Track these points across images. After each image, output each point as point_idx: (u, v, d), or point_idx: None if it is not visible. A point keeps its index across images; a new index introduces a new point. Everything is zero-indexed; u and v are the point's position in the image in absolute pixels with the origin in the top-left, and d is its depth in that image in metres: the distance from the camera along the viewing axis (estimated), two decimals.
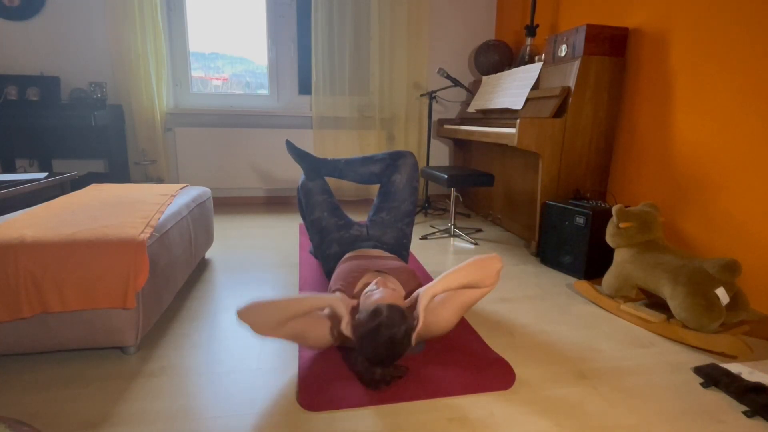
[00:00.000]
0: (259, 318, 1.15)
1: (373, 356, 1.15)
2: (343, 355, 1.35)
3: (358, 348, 1.18)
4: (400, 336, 1.14)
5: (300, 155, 1.92)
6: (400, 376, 1.22)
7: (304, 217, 2.05)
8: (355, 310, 1.32)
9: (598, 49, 2.22)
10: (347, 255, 1.67)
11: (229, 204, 3.65)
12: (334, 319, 1.30)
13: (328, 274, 1.79)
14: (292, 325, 1.20)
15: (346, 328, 1.21)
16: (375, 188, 3.74)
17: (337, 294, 1.29)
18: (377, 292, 1.27)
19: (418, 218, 3.26)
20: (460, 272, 1.30)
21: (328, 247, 1.77)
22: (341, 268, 1.54)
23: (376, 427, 1.06)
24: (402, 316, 1.16)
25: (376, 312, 1.16)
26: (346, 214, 1.87)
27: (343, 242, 1.75)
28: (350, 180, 1.93)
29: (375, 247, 1.75)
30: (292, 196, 3.74)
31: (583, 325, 1.62)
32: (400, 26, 3.44)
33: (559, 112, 2.28)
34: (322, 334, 1.26)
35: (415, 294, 1.33)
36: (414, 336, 1.21)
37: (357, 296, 1.41)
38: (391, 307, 1.17)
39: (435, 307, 1.32)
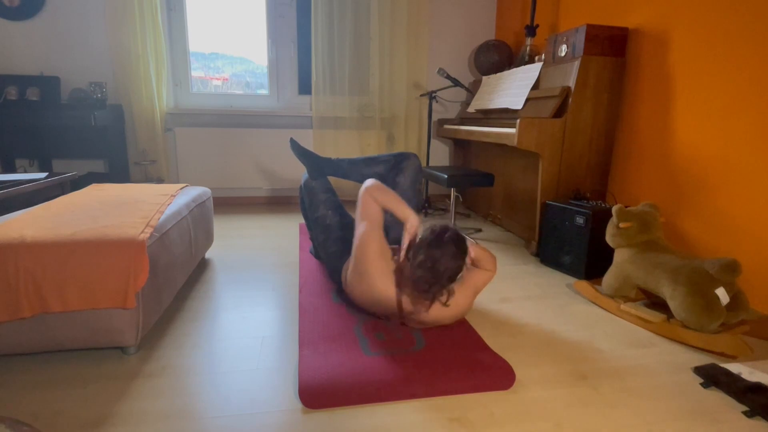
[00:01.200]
0: (377, 188, 1.47)
1: (431, 253, 1.31)
2: (351, 356, 1.35)
3: (416, 251, 1.34)
4: (462, 237, 1.36)
5: (304, 154, 1.94)
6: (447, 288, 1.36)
7: (306, 216, 2.05)
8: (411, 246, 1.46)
9: (598, 49, 2.22)
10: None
11: (229, 204, 3.65)
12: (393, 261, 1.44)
13: (332, 273, 1.78)
14: (376, 217, 1.44)
15: (412, 228, 1.44)
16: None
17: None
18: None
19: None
20: (476, 248, 1.50)
21: (332, 244, 1.76)
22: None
23: (376, 426, 1.07)
24: (458, 231, 1.37)
25: (442, 224, 1.39)
26: (349, 213, 1.86)
27: (347, 240, 1.75)
28: (354, 180, 1.93)
29: None
30: (292, 196, 3.74)
31: (583, 325, 1.62)
32: (400, 26, 3.44)
33: (559, 112, 2.28)
34: (373, 250, 1.39)
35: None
36: (469, 261, 1.46)
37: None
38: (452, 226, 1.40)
39: (457, 290, 1.43)
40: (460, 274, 1.38)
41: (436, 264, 1.30)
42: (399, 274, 1.40)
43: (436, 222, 1.41)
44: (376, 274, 1.38)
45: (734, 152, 1.74)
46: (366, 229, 1.42)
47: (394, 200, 1.47)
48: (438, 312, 1.42)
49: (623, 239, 1.75)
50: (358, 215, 1.48)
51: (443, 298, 1.36)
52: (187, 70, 3.45)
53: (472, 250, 1.47)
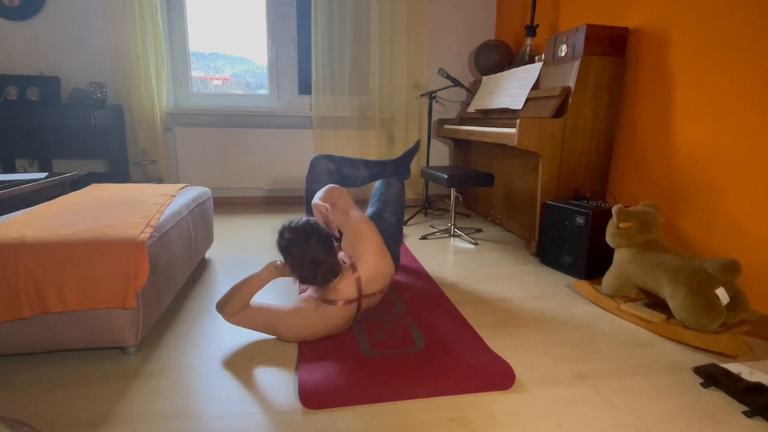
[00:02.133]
0: (224, 304, 1.38)
1: (289, 251, 1.35)
2: (351, 357, 1.35)
3: (285, 259, 1.37)
4: (301, 221, 1.38)
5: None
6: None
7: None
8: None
9: (598, 49, 2.22)
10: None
11: (229, 204, 3.65)
12: (306, 303, 1.44)
13: None
14: (260, 313, 1.40)
15: (276, 268, 1.42)
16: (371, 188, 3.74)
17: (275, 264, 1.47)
18: None
19: (419, 218, 3.26)
20: (322, 195, 1.54)
21: None
22: None
23: (376, 426, 1.06)
24: (293, 222, 1.40)
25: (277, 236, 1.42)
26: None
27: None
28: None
29: None
30: (292, 196, 3.74)
31: (583, 325, 1.62)
32: (400, 26, 3.44)
33: (559, 112, 2.28)
34: (291, 322, 1.40)
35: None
36: (334, 227, 1.46)
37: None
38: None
39: (355, 247, 1.51)
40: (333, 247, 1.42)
41: (306, 255, 1.34)
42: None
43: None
44: (300, 331, 1.42)
45: (734, 152, 1.74)
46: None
47: (245, 286, 1.43)
48: (370, 260, 1.48)
49: (623, 239, 1.75)
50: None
51: (340, 272, 1.42)
52: (187, 70, 3.45)
53: (320, 213, 1.46)
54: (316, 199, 1.50)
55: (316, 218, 1.45)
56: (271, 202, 3.71)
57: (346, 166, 1.87)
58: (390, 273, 1.56)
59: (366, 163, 1.93)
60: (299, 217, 1.42)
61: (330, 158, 1.85)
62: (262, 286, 1.44)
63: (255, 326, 1.41)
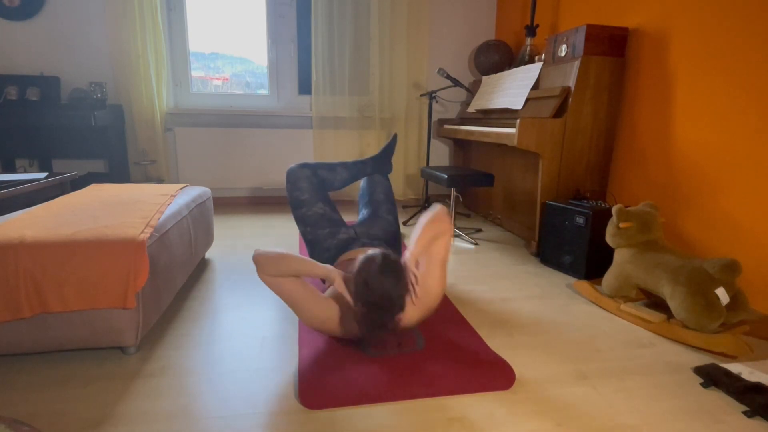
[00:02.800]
0: (266, 262, 1.28)
1: (369, 295, 1.20)
2: (351, 357, 1.35)
3: (356, 296, 1.23)
4: (391, 262, 1.23)
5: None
6: (395, 325, 1.25)
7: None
8: (349, 281, 1.37)
9: (598, 49, 2.22)
10: (341, 258, 1.66)
11: (229, 204, 3.65)
12: (338, 301, 1.35)
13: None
14: (292, 286, 1.30)
15: (340, 285, 1.29)
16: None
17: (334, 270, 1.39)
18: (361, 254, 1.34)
19: (419, 218, 3.26)
20: (424, 232, 1.39)
21: (319, 256, 1.74)
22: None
23: (376, 426, 1.06)
24: (394, 258, 1.25)
25: (368, 256, 1.26)
26: (335, 215, 1.82)
27: (333, 248, 1.73)
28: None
29: (365, 245, 1.73)
30: None
31: (583, 325, 1.62)
32: (400, 26, 3.44)
33: (559, 112, 2.28)
34: (317, 311, 1.32)
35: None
36: (414, 295, 1.30)
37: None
38: (383, 252, 1.28)
39: (423, 278, 1.38)
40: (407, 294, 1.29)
41: (382, 303, 1.20)
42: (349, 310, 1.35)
43: (360, 259, 1.27)
44: (323, 323, 1.34)
45: (734, 152, 1.74)
46: (294, 307, 1.33)
47: (297, 263, 1.29)
48: (414, 313, 1.37)
49: (623, 239, 1.75)
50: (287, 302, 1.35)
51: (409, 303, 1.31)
52: (187, 70, 3.45)
53: (412, 250, 1.34)
54: (414, 246, 1.34)
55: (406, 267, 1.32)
56: (271, 202, 3.71)
57: (322, 169, 1.86)
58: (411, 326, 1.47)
59: (344, 164, 1.92)
60: (393, 254, 1.27)
61: (305, 165, 1.83)
62: (312, 277, 1.37)
63: (282, 293, 1.31)
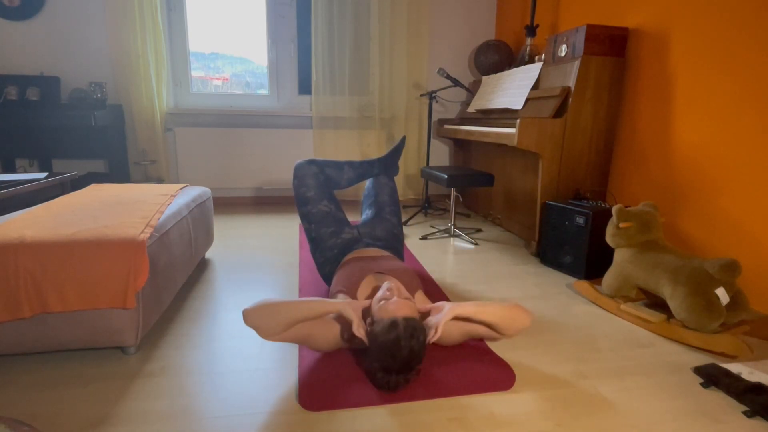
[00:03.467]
0: (266, 321, 1.14)
1: (390, 366, 1.14)
2: (351, 358, 1.35)
3: (375, 357, 1.16)
4: (418, 348, 1.13)
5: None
6: (414, 378, 1.20)
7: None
8: (366, 313, 1.32)
9: (598, 49, 2.22)
10: (345, 258, 1.66)
11: (229, 204, 3.65)
12: (342, 321, 1.31)
13: (325, 277, 1.78)
14: (299, 328, 1.21)
15: (358, 330, 1.20)
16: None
17: (341, 296, 1.34)
18: (392, 303, 1.24)
19: (419, 218, 3.26)
20: (492, 312, 1.28)
21: (321, 254, 1.75)
22: (341, 272, 1.53)
23: (376, 426, 1.06)
24: (420, 329, 1.16)
25: (393, 324, 1.14)
26: (340, 214, 1.83)
27: (337, 248, 1.74)
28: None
29: (369, 245, 1.74)
30: (291, 196, 3.74)
31: (583, 325, 1.62)
32: (400, 26, 3.44)
33: (559, 112, 2.28)
34: (329, 336, 1.27)
35: (430, 306, 1.35)
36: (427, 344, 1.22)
37: (358, 298, 1.41)
38: (408, 320, 1.16)
39: (448, 324, 1.33)
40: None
41: (395, 364, 1.13)
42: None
43: (396, 314, 1.20)
44: (334, 346, 1.30)
45: (734, 152, 1.74)
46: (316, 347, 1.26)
47: (300, 310, 1.18)
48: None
49: (623, 239, 1.75)
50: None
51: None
52: (187, 70, 3.45)
53: (439, 334, 1.24)
54: (448, 314, 1.26)
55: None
56: (271, 202, 3.71)
57: (329, 167, 1.86)
58: None
59: (350, 163, 1.92)
60: (416, 322, 1.18)
61: (312, 162, 1.84)
62: (322, 316, 1.23)
63: (292, 341, 1.22)
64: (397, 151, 2.03)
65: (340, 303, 1.24)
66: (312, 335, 1.24)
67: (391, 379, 1.16)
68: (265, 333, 1.15)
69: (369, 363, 1.20)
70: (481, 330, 1.33)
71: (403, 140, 2.08)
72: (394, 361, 1.12)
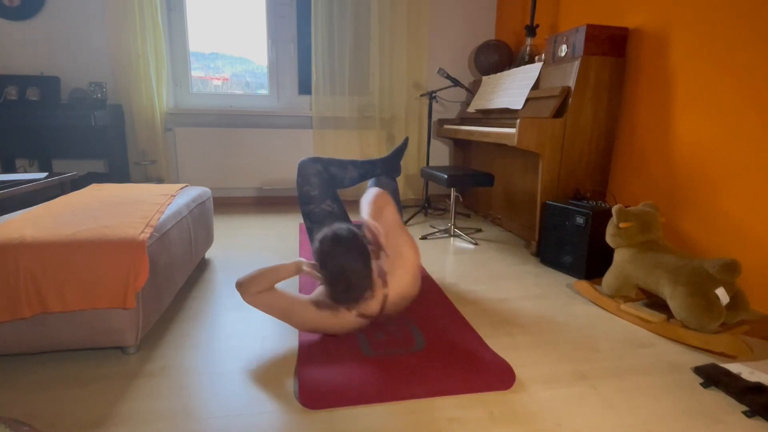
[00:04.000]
0: (246, 283, 1.35)
1: (328, 262, 1.29)
2: (351, 357, 1.35)
3: (321, 269, 1.32)
4: (343, 231, 1.32)
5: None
6: (363, 291, 1.33)
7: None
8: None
9: (598, 49, 2.22)
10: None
11: (229, 204, 3.65)
12: (322, 306, 1.40)
13: None
14: (274, 299, 1.37)
15: (306, 267, 1.40)
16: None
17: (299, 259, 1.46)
18: None
19: (419, 218, 3.26)
20: (370, 207, 1.49)
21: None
22: None
23: (376, 425, 1.06)
24: (341, 228, 1.34)
25: (319, 236, 1.35)
26: (343, 214, 1.83)
27: None
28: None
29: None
30: (292, 196, 3.74)
31: (583, 325, 1.62)
32: (400, 26, 3.44)
33: (559, 112, 2.28)
34: (305, 312, 1.37)
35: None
36: (383, 251, 1.40)
37: None
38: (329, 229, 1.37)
39: (388, 240, 1.47)
40: (372, 265, 1.38)
41: (343, 274, 1.29)
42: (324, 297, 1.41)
43: (316, 237, 1.36)
44: (313, 323, 1.39)
45: (734, 152, 1.74)
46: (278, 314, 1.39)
47: (270, 273, 1.38)
48: (402, 278, 1.42)
49: (623, 239, 1.75)
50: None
51: (372, 292, 1.38)
52: (187, 70, 3.45)
53: (366, 216, 1.44)
54: (366, 216, 1.44)
55: (366, 233, 1.40)
56: (271, 203, 3.71)
57: (333, 166, 1.86)
58: (415, 297, 1.50)
59: (354, 163, 1.92)
60: (345, 226, 1.36)
61: (317, 160, 1.84)
62: (287, 278, 1.43)
63: (271, 310, 1.38)
64: (399, 152, 2.04)
65: (294, 260, 1.42)
66: (288, 309, 1.37)
67: (343, 288, 1.29)
68: (245, 293, 1.35)
69: (326, 285, 1.33)
70: (389, 215, 1.52)
71: (406, 141, 2.09)
72: (327, 259, 1.29)
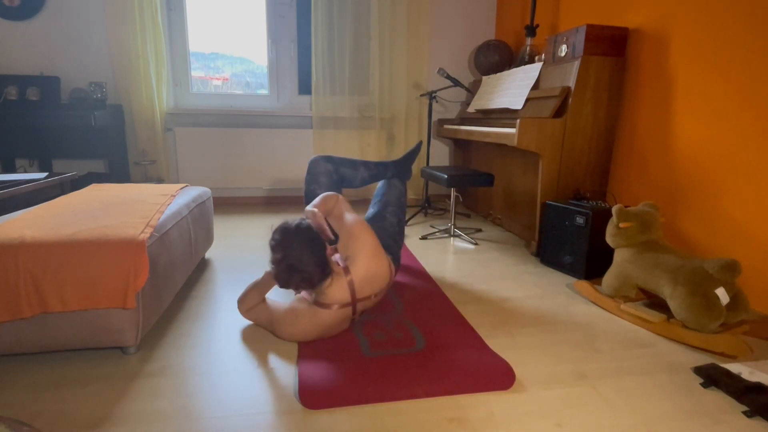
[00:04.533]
0: (242, 300, 1.50)
1: (275, 253, 1.36)
2: (351, 357, 1.35)
3: (271, 263, 1.38)
4: (291, 223, 1.38)
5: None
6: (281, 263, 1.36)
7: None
8: None
9: (598, 49, 2.22)
10: None
11: (229, 204, 3.65)
12: (300, 305, 1.45)
13: None
14: (260, 312, 1.48)
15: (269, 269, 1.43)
16: (372, 188, 3.74)
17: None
18: None
19: (419, 218, 3.26)
20: (318, 205, 1.52)
21: None
22: None
23: (376, 426, 1.07)
24: (287, 222, 1.40)
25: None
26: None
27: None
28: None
29: None
30: (292, 196, 3.74)
31: (583, 325, 1.62)
32: (400, 26, 3.44)
33: (559, 112, 2.28)
34: (287, 322, 1.43)
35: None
36: (332, 234, 1.44)
37: None
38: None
39: (339, 226, 1.54)
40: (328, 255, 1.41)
41: (284, 260, 1.34)
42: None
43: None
44: (298, 332, 1.44)
45: (734, 152, 1.74)
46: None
47: (253, 289, 1.51)
48: (363, 262, 1.45)
49: (623, 239, 1.75)
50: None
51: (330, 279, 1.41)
52: (187, 70, 3.45)
53: (314, 219, 1.46)
54: (310, 206, 1.50)
55: (310, 223, 1.44)
56: (271, 202, 3.71)
57: (344, 166, 1.86)
58: (386, 274, 1.52)
59: (366, 164, 1.92)
60: (295, 219, 1.42)
61: (329, 159, 1.84)
62: (270, 287, 1.51)
63: (260, 323, 1.49)
64: (412, 155, 2.04)
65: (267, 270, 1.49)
66: (273, 321, 1.45)
67: (286, 268, 1.34)
68: (240, 311, 1.52)
69: (273, 272, 1.37)
70: (335, 212, 1.58)
71: (419, 145, 2.09)
72: (274, 249, 1.35)
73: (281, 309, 1.46)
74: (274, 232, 1.38)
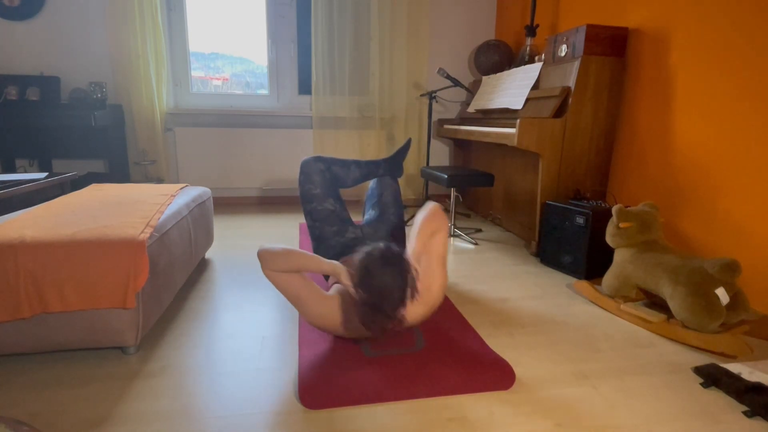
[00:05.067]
0: (271, 257, 1.28)
1: (371, 277, 1.23)
2: (351, 356, 1.35)
3: (358, 284, 1.25)
4: (393, 253, 1.26)
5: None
6: (396, 321, 1.26)
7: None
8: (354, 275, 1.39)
9: (598, 49, 2.22)
10: (343, 258, 1.66)
11: (229, 204, 3.65)
12: (345, 308, 1.35)
13: (325, 276, 1.79)
14: (296, 283, 1.30)
15: (346, 280, 1.29)
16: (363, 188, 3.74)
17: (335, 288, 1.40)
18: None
19: None
20: (422, 229, 1.42)
21: (324, 253, 1.75)
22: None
23: (376, 426, 1.06)
24: (394, 252, 1.27)
25: (370, 246, 1.30)
26: (345, 213, 1.83)
27: (339, 246, 1.74)
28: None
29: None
30: (292, 196, 3.74)
31: (583, 325, 1.62)
32: (400, 26, 3.44)
33: (559, 112, 2.28)
34: (322, 310, 1.32)
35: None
36: (416, 291, 1.30)
37: None
38: (382, 246, 1.30)
39: (424, 275, 1.41)
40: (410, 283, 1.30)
41: (382, 294, 1.23)
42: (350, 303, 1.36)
43: (363, 250, 1.30)
44: (328, 321, 1.35)
45: (734, 152, 1.74)
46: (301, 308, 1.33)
47: (302, 258, 1.30)
48: (417, 310, 1.38)
49: (623, 239, 1.75)
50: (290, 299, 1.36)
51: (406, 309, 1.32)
52: (187, 70, 3.45)
53: (413, 247, 1.38)
54: (414, 241, 1.37)
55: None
56: (271, 202, 3.71)
57: (336, 165, 1.86)
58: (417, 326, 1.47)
59: (357, 163, 1.92)
60: (391, 246, 1.28)
61: (320, 159, 1.84)
62: (316, 272, 1.35)
63: (286, 291, 1.32)
64: (402, 153, 2.04)
65: (334, 263, 1.33)
66: (306, 298, 1.31)
67: (375, 308, 1.23)
68: (266, 266, 1.28)
69: (359, 304, 1.26)
70: (436, 245, 1.43)
71: (408, 142, 2.09)
72: (373, 272, 1.22)
73: (323, 295, 1.35)
74: (376, 252, 1.25)
